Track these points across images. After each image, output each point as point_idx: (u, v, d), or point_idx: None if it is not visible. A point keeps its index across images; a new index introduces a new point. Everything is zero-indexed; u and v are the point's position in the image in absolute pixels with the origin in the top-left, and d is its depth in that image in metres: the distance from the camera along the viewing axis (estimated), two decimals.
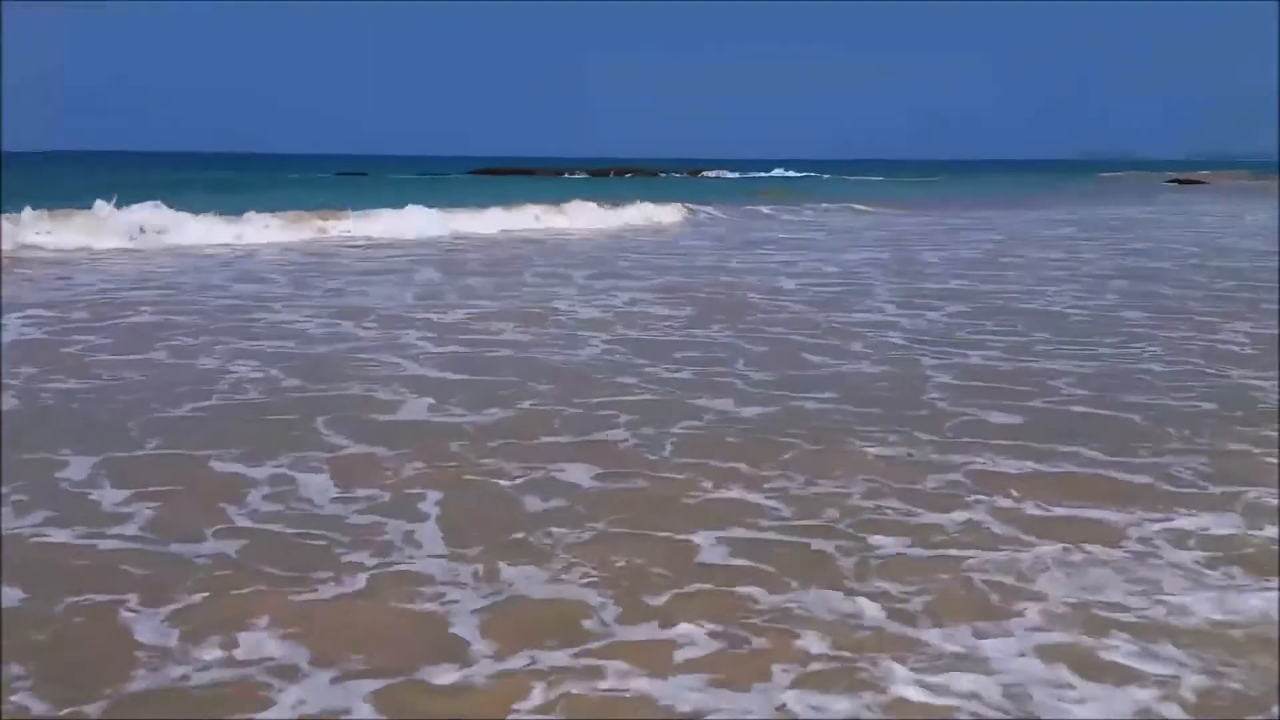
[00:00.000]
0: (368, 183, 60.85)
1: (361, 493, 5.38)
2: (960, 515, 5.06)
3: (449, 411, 7.10)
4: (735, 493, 5.41)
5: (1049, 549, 4.64)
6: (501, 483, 5.60)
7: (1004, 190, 49.54)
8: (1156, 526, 4.91)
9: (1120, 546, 4.69)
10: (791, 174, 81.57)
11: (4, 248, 16.75)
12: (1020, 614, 4.02)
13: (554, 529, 4.87)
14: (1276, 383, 7.76)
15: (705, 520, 4.98)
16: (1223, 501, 5.19)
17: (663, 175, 77.19)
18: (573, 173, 78.31)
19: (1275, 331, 9.94)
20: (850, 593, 4.19)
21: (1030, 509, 5.13)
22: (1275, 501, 5.19)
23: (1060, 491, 5.38)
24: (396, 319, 10.86)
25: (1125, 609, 4.06)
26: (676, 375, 8.27)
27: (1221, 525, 4.90)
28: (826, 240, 22.87)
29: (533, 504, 5.26)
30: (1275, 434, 6.38)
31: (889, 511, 5.14)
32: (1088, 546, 4.68)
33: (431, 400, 7.39)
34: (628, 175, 76.03)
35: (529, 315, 11.11)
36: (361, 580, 4.32)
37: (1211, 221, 29.09)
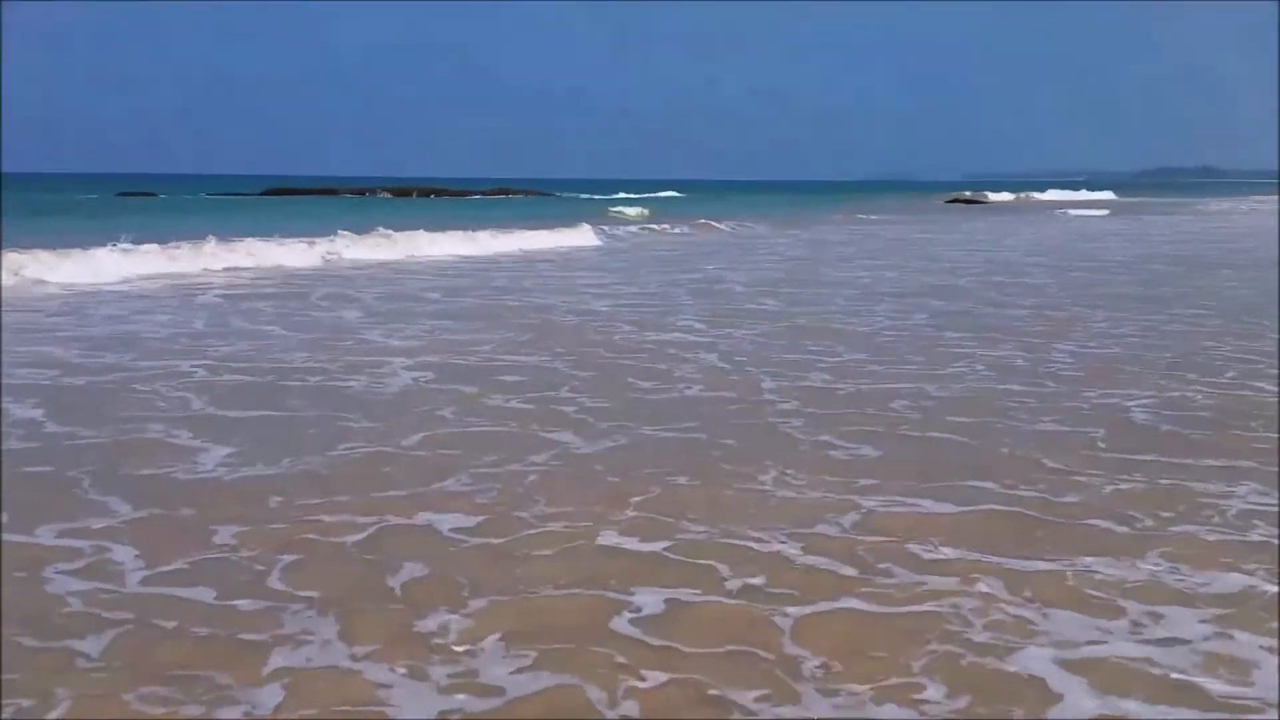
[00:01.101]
0: (158, 204, 57.67)
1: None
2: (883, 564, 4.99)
3: (250, 459, 6.56)
4: (626, 540, 5.23)
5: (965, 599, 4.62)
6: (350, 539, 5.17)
7: (788, 209, 51.37)
8: (1089, 565, 4.96)
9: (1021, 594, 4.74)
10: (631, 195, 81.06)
11: None
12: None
13: (441, 612, 4.40)
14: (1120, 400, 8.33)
15: (626, 577, 4.75)
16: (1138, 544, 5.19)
17: (477, 197, 77.10)
18: (375, 192, 76.15)
19: (1099, 349, 10.27)
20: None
21: (935, 551, 5.11)
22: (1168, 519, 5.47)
23: (954, 530, 5.42)
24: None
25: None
26: (508, 405, 8.03)
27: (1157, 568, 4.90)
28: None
29: (404, 569, 4.83)
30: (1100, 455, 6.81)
31: (806, 559, 5.05)
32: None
33: (230, 449, 6.78)
34: (430, 195, 74.56)
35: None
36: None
37: (994, 239, 31.18)
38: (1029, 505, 5.60)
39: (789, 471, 6.23)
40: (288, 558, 4.84)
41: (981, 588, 4.47)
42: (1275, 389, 8.34)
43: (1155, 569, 4.71)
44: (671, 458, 6.59)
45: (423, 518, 5.43)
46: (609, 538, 5.15)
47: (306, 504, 5.60)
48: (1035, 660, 3.82)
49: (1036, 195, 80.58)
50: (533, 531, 5.22)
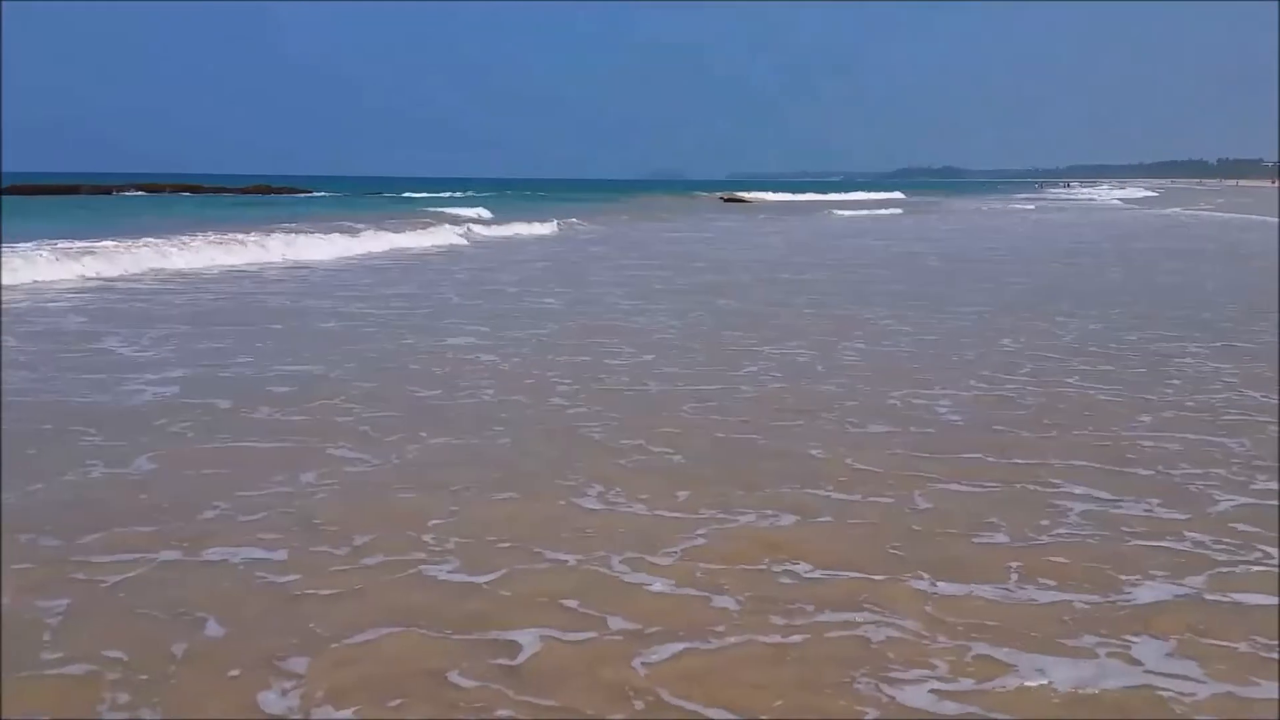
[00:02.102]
0: None
1: None
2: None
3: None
4: (447, 570, 4.80)
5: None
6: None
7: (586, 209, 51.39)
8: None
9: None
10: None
11: None
12: None
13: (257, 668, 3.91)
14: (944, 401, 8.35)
15: (457, 617, 4.33)
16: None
17: (276, 193, 73.77)
18: (124, 189, 70.88)
19: (891, 348, 10.78)
20: None
21: (805, 572, 4.87)
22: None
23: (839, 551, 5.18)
24: None
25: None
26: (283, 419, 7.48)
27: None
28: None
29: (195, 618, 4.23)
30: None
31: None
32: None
33: None
34: (184, 193, 70.36)
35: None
36: None
37: (782, 238, 32.53)
38: (875, 514, 5.59)
39: (606, 484, 6.01)
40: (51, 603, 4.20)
41: (870, 613, 4.34)
42: (1077, 384, 8.81)
43: (1022, 581, 4.74)
44: (475, 470, 6.28)
45: (211, 553, 4.89)
46: (431, 569, 4.79)
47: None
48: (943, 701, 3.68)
49: (817, 196, 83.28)
50: (340, 568, 4.80)
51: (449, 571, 4.72)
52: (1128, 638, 4.04)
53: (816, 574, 4.69)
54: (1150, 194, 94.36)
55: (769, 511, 5.54)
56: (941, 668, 3.79)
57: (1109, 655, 3.91)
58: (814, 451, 6.75)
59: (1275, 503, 5.66)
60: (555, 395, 8.36)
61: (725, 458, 6.63)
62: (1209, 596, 4.46)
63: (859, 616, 4.24)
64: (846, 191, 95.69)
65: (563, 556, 4.90)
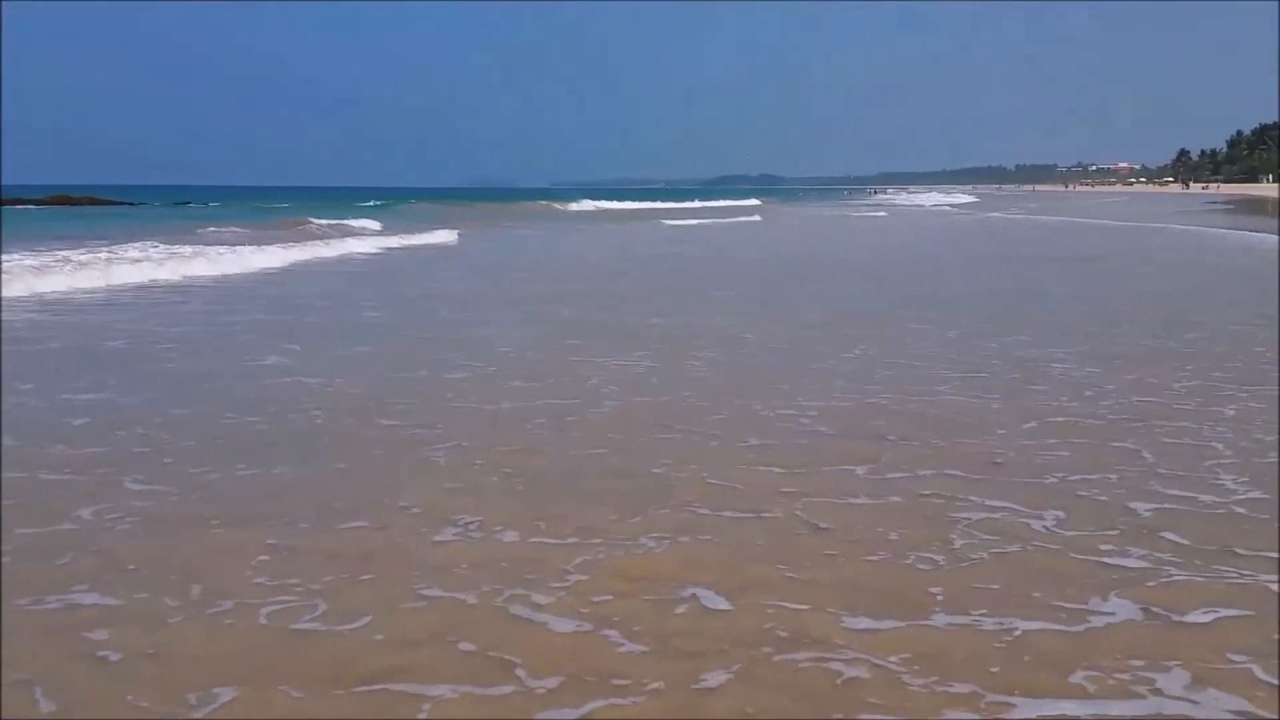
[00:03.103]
0: None
1: None
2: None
3: None
4: (308, 621, 4.26)
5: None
6: None
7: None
8: None
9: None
10: None
11: None
12: None
13: None
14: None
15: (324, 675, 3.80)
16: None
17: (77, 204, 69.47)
18: None
19: (738, 358, 10.57)
20: None
21: (710, 602, 4.52)
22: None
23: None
24: None
25: None
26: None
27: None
28: None
29: None
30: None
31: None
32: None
33: None
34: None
35: None
36: None
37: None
38: (768, 534, 5.25)
39: (466, 515, 5.53)
40: None
41: (806, 652, 3.96)
42: (949, 393, 8.56)
43: (952, 606, 4.44)
44: (313, 498, 5.77)
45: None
46: (282, 611, 4.29)
47: None
48: None
49: (635, 204, 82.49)
50: (175, 619, 4.24)
51: (309, 618, 4.23)
52: (1103, 667, 3.81)
53: (723, 604, 4.37)
54: (973, 199, 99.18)
55: (652, 535, 5.22)
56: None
57: (1091, 687, 3.67)
58: (685, 468, 6.43)
59: (1195, 509, 5.61)
60: (390, 416, 7.79)
61: (589, 478, 6.25)
62: (1159, 614, 4.28)
63: (797, 657, 3.90)
64: (684, 199, 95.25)
65: (439, 593, 4.47)
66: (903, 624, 4.15)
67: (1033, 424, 7.41)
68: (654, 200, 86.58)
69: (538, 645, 3.97)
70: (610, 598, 4.41)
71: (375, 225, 37.44)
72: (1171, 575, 4.65)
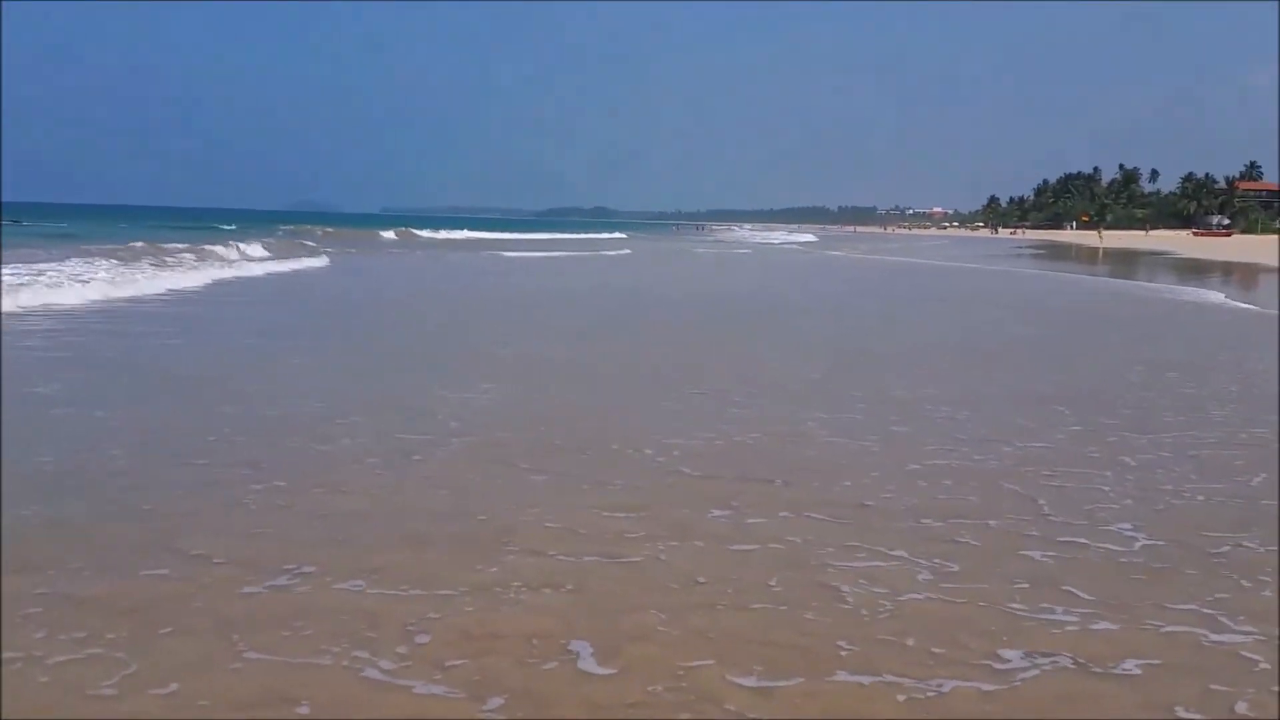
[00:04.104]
0: None
1: None
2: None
3: None
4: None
5: None
6: None
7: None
8: None
9: None
10: None
11: None
12: None
13: None
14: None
15: None
16: None
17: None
18: None
19: (589, 390, 10.18)
20: None
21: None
22: None
23: None
24: None
25: None
26: None
27: None
28: None
29: None
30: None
31: None
32: None
33: None
34: None
35: None
36: None
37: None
38: (635, 582, 4.83)
39: (285, 563, 4.95)
40: None
41: None
42: (821, 434, 8.27)
43: (864, 666, 4.10)
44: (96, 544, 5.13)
45: None
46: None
47: None
48: None
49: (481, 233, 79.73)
50: None
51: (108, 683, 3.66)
52: None
53: (605, 669, 3.92)
54: (814, 239, 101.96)
55: (504, 585, 4.74)
56: None
57: None
58: (528, 510, 5.95)
59: (1092, 556, 5.39)
60: (203, 455, 7.15)
61: (422, 521, 5.72)
62: (1084, 666, 4.03)
63: None
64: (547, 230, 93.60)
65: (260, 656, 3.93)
66: (808, 682, 3.83)
67: (902, 465, 7.19)
68: (498, 230, 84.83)
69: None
70: (464, 660, 3.95)
71: (261, 251, 34.90)
72: (1087, 626, 4.45)
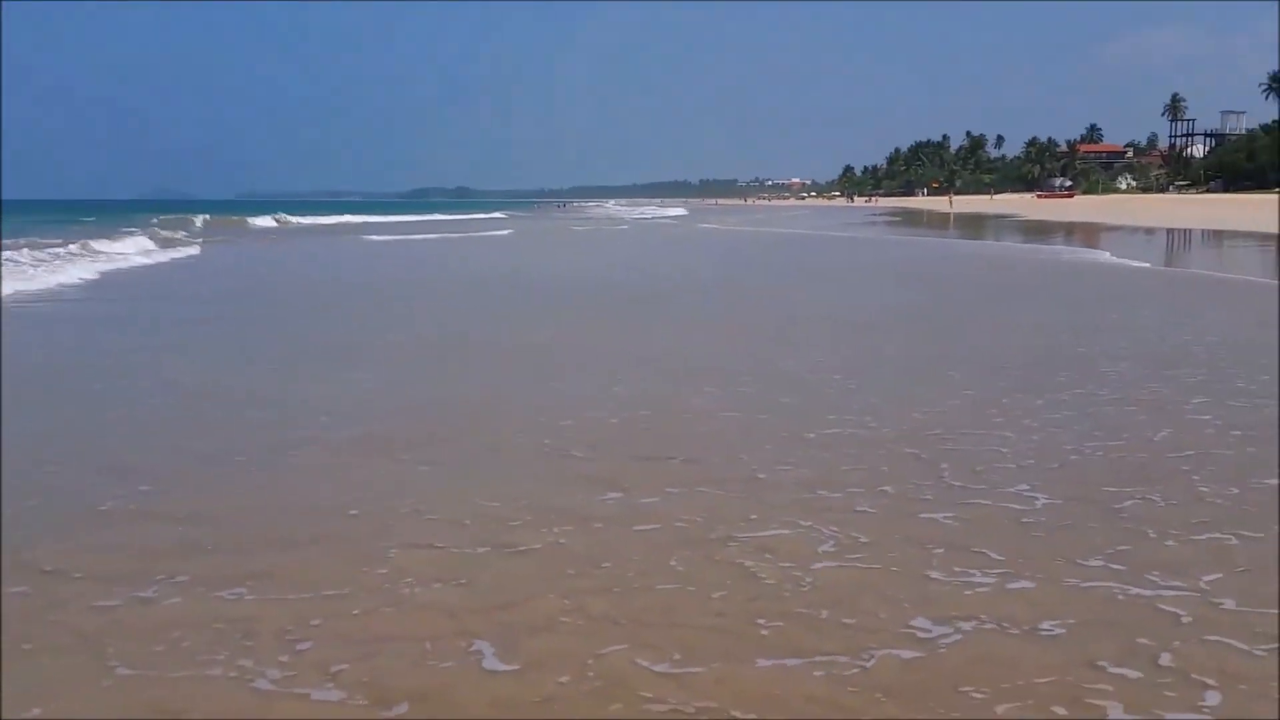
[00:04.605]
0: None
1: None
2: None
3: None
4: None
5: None
6: None
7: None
8: None
9: None
10: None
11: None
12: None
13: None
14: None
15: None
16: None
17: None
18: None
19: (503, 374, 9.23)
20: None
21: None
22: None
23: None
24: None
25: None
26: None
27: None
28: None
29: None
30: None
31: None
32: None
33: None
34: None
35: None
36: None
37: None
38: (536, 570, 4.57)
39: (148, 573, 4.60)
40: None
41: None
42: (705, 405, 8.03)
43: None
44: None
45: None
46: None
47: None
48: None
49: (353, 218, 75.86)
50: None
51: None
52: (972, 686, 3.47)
53: (509, 665, 3.70)
54: (684, 212, 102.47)
55: (395, 582, 4.44)
56: None
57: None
58: (418, 501, 5.63)
59: (1000, 518, 5.28)
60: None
61: (294, 519, 5.37)
62: (1000, 628, 3.94)
63: (615, 708, 3.37)
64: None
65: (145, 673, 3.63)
66: (728, 665, 3.69)
67: (797, 436, 7.05)
68: (372, 213, 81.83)
69: None
70: (359, 665, 3.68)
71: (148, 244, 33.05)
72: (1002, 588, 4.39)
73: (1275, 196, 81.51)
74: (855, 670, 3.63)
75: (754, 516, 5.31)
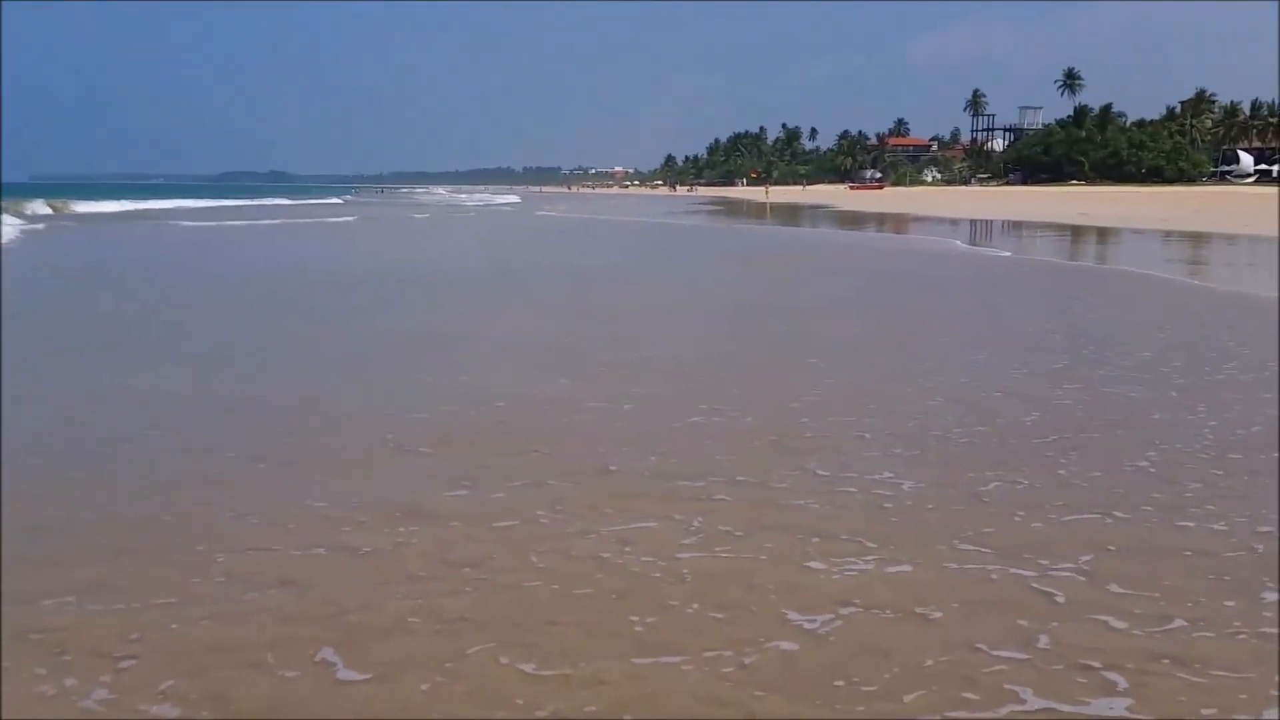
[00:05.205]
0: None
1: None
2: None
3: None
4: None
5: None
6: None
7: None
8: None
9: None
10: None
11: None
12: None
13: None
14: None
15: None
16: None
17: None
18: None
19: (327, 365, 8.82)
20: None
21: None
22: None
23: None
24: None
25: None
26: None
27: None
28: None
29: None
30: None
31: None
32: None
33: None
34: None
35: None
36: None
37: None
38: (380, 571, 4.25)
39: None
40: None
41: None
42: (557, 394, 7.79)
43: None
44: None
45: None
46: None
47: None
48: None
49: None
50: None
51: None
52: (861, 676, 3.35)
53: (362, 674, 3.41)
54: (518, 200, 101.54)
55: (229, 591, 4.08)
56: None
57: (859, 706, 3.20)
58: (250, 504, 5.21)
59: (863, 502, 5.23)
60: None
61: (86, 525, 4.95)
62: (878, 614, 3.82)
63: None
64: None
65: None
66: (608, 663, 3.50)
67: (658, 427, 6.80)
68: (169, 199, 75.60)
69: None
70: (198, 680, 3.35)
71: None
72: (877, 572, 4.32)
73: (1072, 188, 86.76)
74: (734, 667, 3.49)
75: (610, 510, 5.09)
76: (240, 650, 3.64)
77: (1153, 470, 5.80)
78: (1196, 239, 28.72)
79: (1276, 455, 6.05)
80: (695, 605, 3.98)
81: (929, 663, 3.52)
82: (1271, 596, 4.08)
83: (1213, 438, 6.45)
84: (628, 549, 4.57)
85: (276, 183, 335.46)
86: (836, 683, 3.41)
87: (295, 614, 3.94)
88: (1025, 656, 3.58)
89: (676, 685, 3.39)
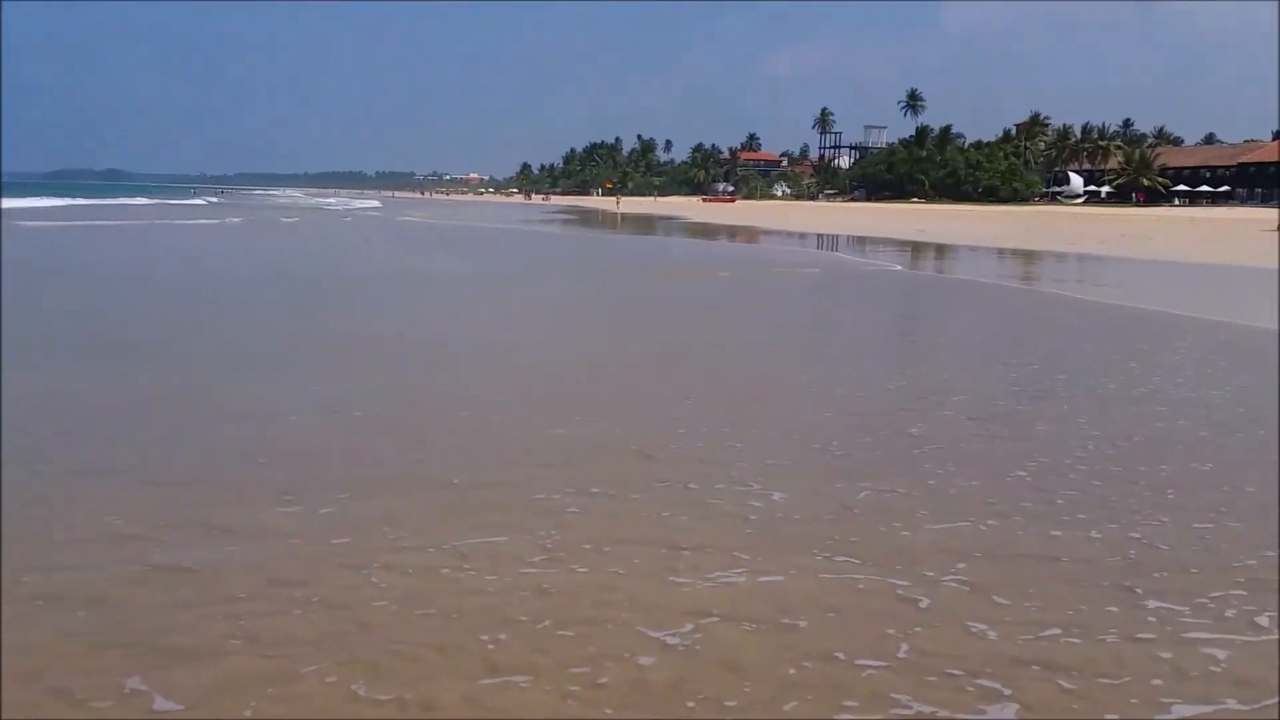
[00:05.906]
0: None
1: None
2: None
3: None
4: None
5: None
6: None
7: None
8: None
9: None
10: None
11: None
12: None
13: None
14: None
15: None
16: None
17: None
18: None
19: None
20: None
21: None
22: None
23: None
24: None
25: None
26: None
27: None
28: None
29: None
30: None
31: None
32: None
33: None
34: None
35: None
36: None
37: None
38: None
39: None
40: None
41: None
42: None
43: None
44: None
45: None
46: None
47: None
48: None
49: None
50: None
51: None
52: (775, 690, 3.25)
53: (173, 704, 3.10)
54: (379, 204, 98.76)
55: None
56: None
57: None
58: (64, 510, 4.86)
59: (731, 515, 5.03)
60: None
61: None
62: (740, 624, 3.66)
63: None
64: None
65: None
66: (451, 684, 3.24)
67: (519, 438, 6.52)
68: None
69: None
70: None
71: None
72: (741, 582, 4.19)
73: (914, 205, 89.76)
74: (583, 685, 3.30)
75: (457, 523, 4.79)
76: (37, 677, 3.27)
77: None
78: (1029, 255, 30.08)
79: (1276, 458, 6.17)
80: (546, 622, 3.79)
81: (789, 673, 3.38)
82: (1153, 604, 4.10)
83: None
84: (468, 565, 4.29)
85: (114, 181, 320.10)
86: (693, 698, 3.19)
87: (100, 640, 3.58)
88: (886, 664, 3.44)
89: (518, 707, 3.22)
